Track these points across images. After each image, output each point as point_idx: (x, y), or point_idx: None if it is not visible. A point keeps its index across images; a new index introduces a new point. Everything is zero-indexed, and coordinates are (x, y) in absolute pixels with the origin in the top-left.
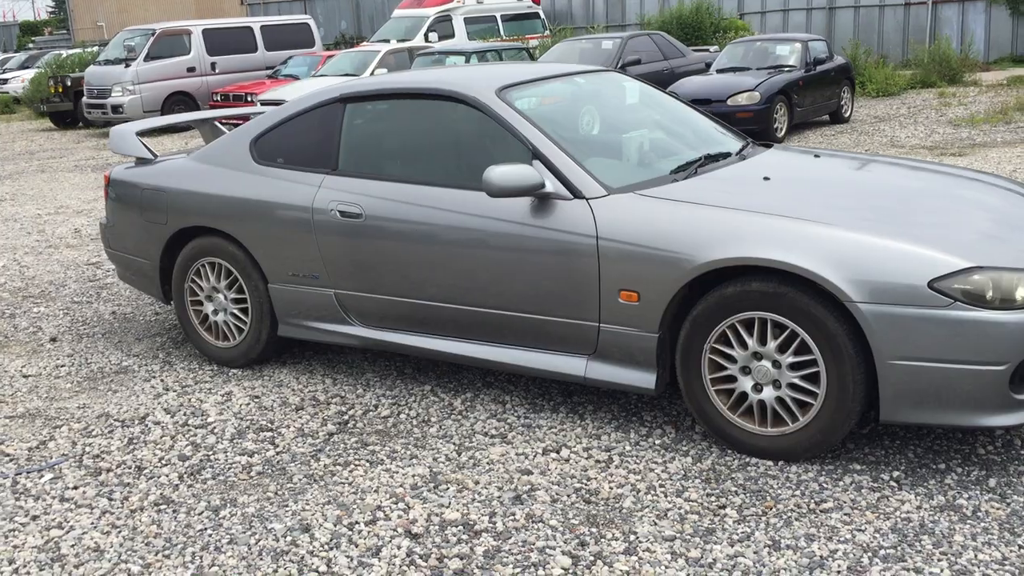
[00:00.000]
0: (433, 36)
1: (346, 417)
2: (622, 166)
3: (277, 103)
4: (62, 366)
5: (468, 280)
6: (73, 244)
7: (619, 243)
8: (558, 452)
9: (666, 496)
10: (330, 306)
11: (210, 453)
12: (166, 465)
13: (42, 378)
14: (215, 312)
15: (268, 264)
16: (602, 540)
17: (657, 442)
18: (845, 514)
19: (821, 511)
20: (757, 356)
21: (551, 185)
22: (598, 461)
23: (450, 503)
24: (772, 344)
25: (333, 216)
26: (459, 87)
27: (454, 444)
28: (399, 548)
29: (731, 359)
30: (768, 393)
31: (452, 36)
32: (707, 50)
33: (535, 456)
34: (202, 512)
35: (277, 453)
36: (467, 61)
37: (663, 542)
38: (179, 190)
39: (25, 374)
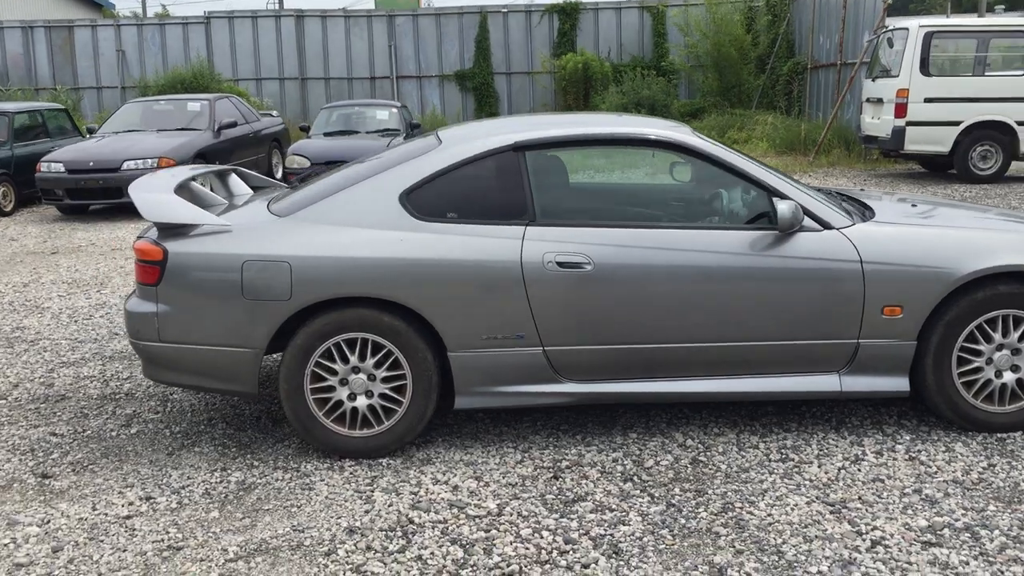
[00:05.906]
0: None
1: (619, 474)
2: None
3: None
4: (147, 501)
5: (717, 317)
6: None
7: (883, 265)
8: (865, 459)
9: (1008, 474)
10: (537, 365)
11: (585, 532)
12: (578, 548)
13: (148, 518)
14: (352, 397)
15: (452, 330)
16: None
17: (907, 437)
18: None
19: None
20: (999, 347)
21: (805, 219)
22: (910, 459)
23: (897, 517)
24: (1015, 335)
25: (550, 268)
26: (666, 133)
27: (768, 471)
28: (960, 547)
29: (976, 353)
30: (1009, 376)
31: None
32: (271, 114)
33: (853, 468)
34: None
35: (640, 515)
36: (10, 123)
37: None
38: (313, 257)
39: (131, 517)
